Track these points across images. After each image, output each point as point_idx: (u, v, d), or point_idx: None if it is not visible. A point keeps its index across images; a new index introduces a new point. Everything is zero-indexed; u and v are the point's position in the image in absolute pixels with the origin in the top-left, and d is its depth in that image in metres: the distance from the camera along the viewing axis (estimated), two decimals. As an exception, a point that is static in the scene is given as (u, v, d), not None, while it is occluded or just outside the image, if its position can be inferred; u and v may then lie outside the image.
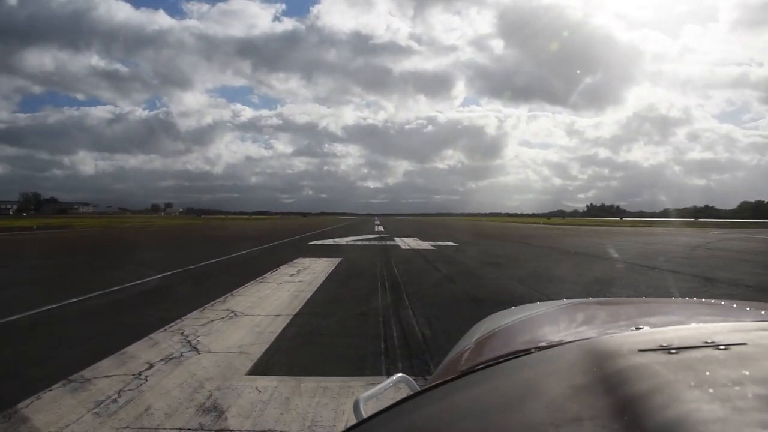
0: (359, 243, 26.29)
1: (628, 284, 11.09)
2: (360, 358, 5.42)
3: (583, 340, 1.02)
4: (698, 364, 0.78)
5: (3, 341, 6.23)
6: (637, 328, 1.10)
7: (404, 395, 0.91)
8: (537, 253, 21.25)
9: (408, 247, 23.06)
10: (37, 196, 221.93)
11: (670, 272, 13.52)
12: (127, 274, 12.20)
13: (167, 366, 4.97)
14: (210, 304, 8.35)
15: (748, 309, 1.39)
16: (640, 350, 0.85)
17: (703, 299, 1.68)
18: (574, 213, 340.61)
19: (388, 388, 1.12)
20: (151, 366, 4.96)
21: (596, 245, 26.78)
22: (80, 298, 8.85)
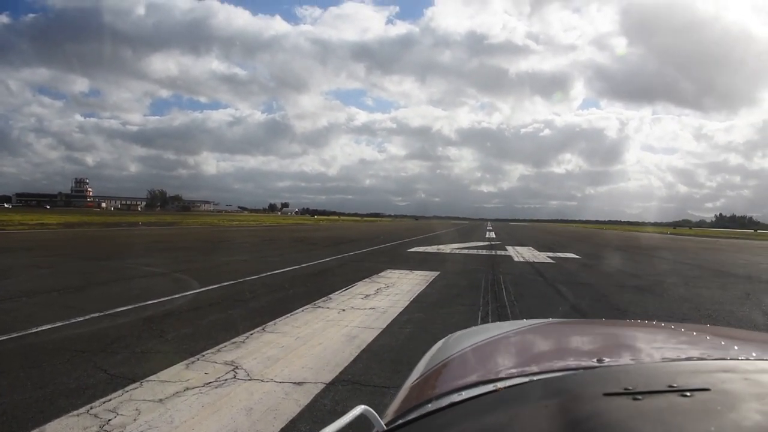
0: (465, 252, 22.93)
1: None
2: None
3: (548, 376, 1.03)
4: (664, 414, 0.77)
5: None
6: (600, 360, 1.11)
7: (365, 426, 0.94)
8: (682, 272, 16.77)
9: (522, 260, 19.39)
10: (163, 194, 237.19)
11: None
12: (159, 288, 9.98)
13: None
14: (215, 349, 5.63)
15: (708, 338, 1.40)
16: (605, 394, 0.84)
17: (663, 323, 1.66)
18: (701, 223, 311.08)
19: (348, 422, 0.95)
20: None
21: (752, 264, 21.49)
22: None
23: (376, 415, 0.99)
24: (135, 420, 3.72)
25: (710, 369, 1.00)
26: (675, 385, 0.86)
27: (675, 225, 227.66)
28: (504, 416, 0.86)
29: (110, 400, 4.11)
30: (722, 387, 0.86)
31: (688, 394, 0.82)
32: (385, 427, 0.97)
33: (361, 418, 0.95)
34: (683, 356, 1.19)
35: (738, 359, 1.10)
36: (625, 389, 0.85)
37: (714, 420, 0.74)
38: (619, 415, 0.76)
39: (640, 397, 0.82)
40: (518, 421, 0.83)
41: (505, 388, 0.99)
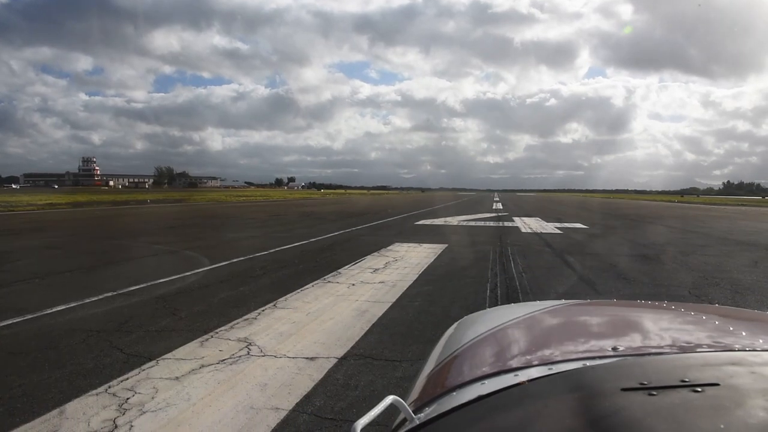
0: (473, 224, 22.93)
1: None
2: None
3: (567, 366, 1.06)
4: (677, 410, 0.80)
5: None
6: (615, 348, 1.16)
7: (395, 415, 1.04)
8: (689, 240, 16.69)
9: (529, 230, 19.40)
10: (170, 171, 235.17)
11: None
12: (170, 266, 10.07)
13: None
14: (228, 326, 5.72)
15: (717, 322, 1.42)
16: (623, 389, 0.88)
17: (673, 304, 1.68)
18: (709, 191, 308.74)
19: (380, 412, 0.99)
20: None
21: (759, 231, 21.29)
22: None
23: (406, 405, 1.02)
24: (153, 398, 3.80)
25: (719, 361, 1.04)
26: (687, 379, 0.90)
27: (682, 193, 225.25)
28: (529, 411, 0.90)
29: (128, 378, 4.20)
30: (730, 381, 0.90)
31: (699, 389, 0.86)
32: (413, 415, 1.01)
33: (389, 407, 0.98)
34: (693, 343, 1.22)
35: (745, 350, 1.13)
36: (641, 384, 0.89)
37: (723, 417, 0.78)
38: (636, 412, 0.80)
39: (654, 392, 0.86)
40: (543, 416, 0.86)
41: (528, 381, 1.02)
